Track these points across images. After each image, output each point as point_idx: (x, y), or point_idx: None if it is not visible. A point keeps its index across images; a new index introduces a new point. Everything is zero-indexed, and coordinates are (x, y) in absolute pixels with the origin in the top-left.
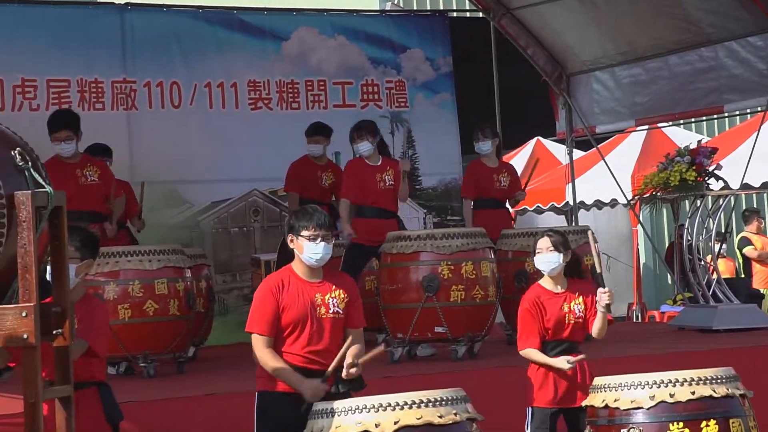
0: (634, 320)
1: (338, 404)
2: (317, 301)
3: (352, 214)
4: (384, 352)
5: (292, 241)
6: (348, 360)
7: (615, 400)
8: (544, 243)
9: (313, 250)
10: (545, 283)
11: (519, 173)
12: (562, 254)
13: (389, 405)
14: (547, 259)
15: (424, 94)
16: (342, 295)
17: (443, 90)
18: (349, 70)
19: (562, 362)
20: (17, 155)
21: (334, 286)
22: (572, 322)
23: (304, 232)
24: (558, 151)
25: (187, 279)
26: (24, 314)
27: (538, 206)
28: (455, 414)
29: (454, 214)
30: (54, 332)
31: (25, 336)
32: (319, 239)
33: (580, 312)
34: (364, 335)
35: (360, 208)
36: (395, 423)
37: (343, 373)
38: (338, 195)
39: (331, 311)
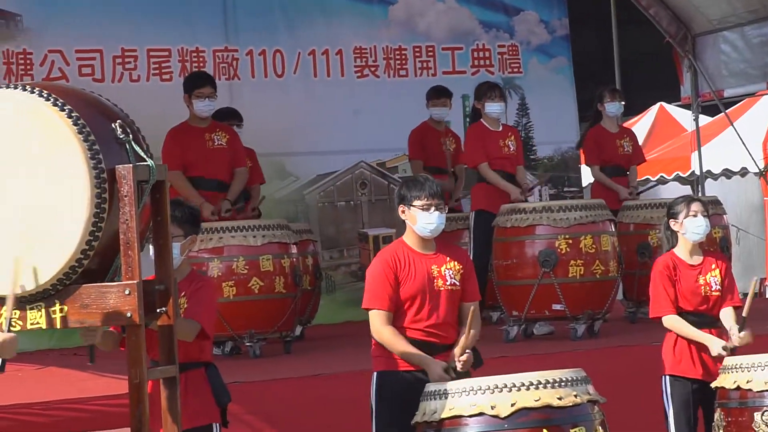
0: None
1: (451, 385)
2: (433, 273)
3: (474, 180)
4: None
5: (403, 212)
6: (457, 351)
7: (747, 382)
8: (697, 206)
9: (426, 220)
10: (680, 252)
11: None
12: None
13: (505, 386)
14: (700, 222)
15: (539, 58)
16: (457, 267)
17: (559, 54)
18: (458, 35)
19: (717, 347)
20: (118, 128)
21: (448, 258)
22: (708, 294)
23: (417, 202)
24: (683, 117)
25: (292, 255)
26: (127, 292)
27: (661, 176)
28: (575, 396)
29: (571, 185)
30: (158, 310)
31: (129, 314)
32: (433, 208)
33: (716, 285)
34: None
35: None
36: (512, 405)
37: (457, 366)
38: (460, 161)
39: (448, 283)
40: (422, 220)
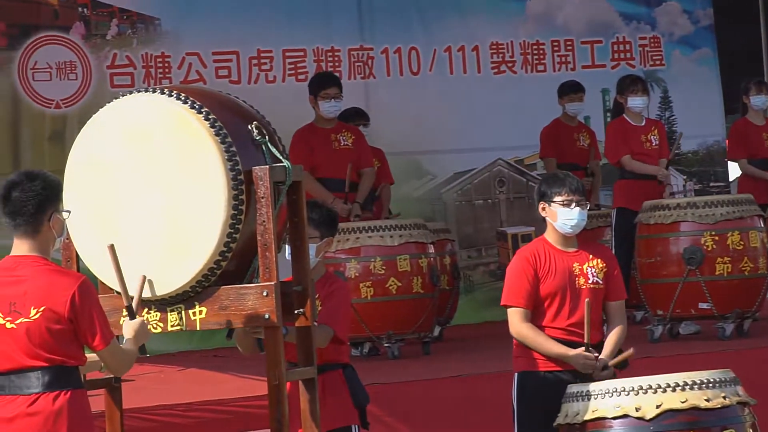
0: None
1: (594, 387)
2: (575, 270)
3: (616, 176)
4: (633, 355)
5: (543, 209)
6: (601, 360)
7: None
8: None
9: (567, 216)
10: None
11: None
12: None
13: (650, 387)
14: None
15: (682, 50)
16: (600, 265)
17: (703, 45)
18: (598, 28)
19: None
20: (254, 129)
21: (591, 255)
22: None
23: (557, 198)
24: None
25: (430, 255)
26: (265, 293)
27: None
28: (724, 397)
29: (717, 179)
30: (296, 312)
31: (267, 316)
32: (574, 204)
33: None
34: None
35: (624, 171)
36: (657, 407)
37: (595, 375)
38: (596, 158)
39: (590, 281)
40: (563, 216)
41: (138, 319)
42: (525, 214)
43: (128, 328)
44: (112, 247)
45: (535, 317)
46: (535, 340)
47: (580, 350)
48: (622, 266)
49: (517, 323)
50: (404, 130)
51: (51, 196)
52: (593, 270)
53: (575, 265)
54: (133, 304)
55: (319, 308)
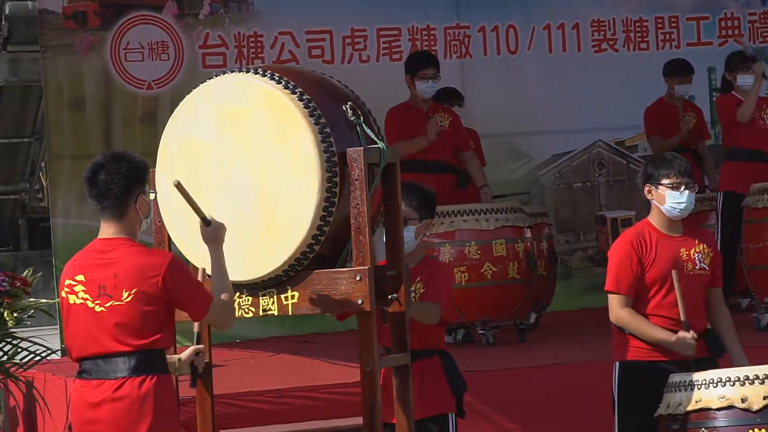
0: None
1: (698, 376)
2: (683, 256)
3: (723, 158)
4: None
5: (650, 191)
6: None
7: None
8: None
9: (676, 200)
10: None
11: None
12: None
13: (757, 377)
14: None
15: None
16: (707, 250)
17: None
18: (704, 4)
19: None
20: (349, 110)
21: (697, 240)
22: None
23: (665, 180)
24: None
25: (527, 239)
26: (358, 278)
27: None
28: None
29: None
30: (389, 297)
31: (360, 301)
32: (683, 187)
33: None
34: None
35: (733, 151)
36: (764, 398)
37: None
38: (703, 138)
39: (698, 267)
40: (671, 199)
41: (216, 223)
42: (625, 197)
43: (207, 235)
44: (179, 184)
45: (639, 304)
46: (636, 326)
47: (681, 334)
48: (728, 252)
49: (617, 309)
50: (500, 110)
51: (137, 178)
52: (700, 255)
53: (682, 250)
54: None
55: (422, 291)
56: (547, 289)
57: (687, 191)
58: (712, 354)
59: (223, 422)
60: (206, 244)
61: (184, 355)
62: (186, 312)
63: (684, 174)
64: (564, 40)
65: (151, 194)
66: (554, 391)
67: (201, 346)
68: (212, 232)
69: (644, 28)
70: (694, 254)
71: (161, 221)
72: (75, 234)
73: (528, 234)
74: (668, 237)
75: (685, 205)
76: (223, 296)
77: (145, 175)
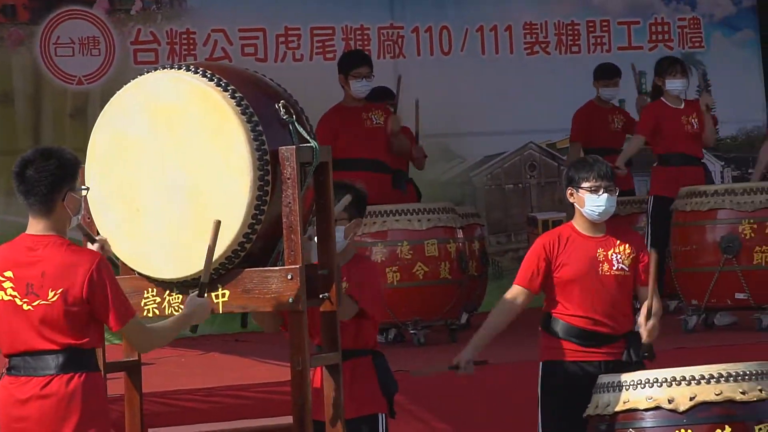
0: None
1: (626, 377)
2: (599, 257)
3: (655, 162)
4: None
5: (571, 194)
6: (641, 318)
7: None
8: None
9: (595, 203)
10: None
11: None
12: None
13: (684, 379)
14: None
15: (723, 32)
16: (628, 251)
17: (745, 27)
18: (635, 8)
19: None
20: (281, 108)
21: (618, 242)
22: None
23: (585, 184)
24: None
25: (458, 240)
26: (289, 277)
27: None
28: (760, 390)
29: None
30: (320, 296)
31: (291, 300)
32: (602, 190)
33: None
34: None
35: (662, 156)
36: (691, 399)
37: (643, 336)
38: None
39: (615, 268)
40: (590, 202)
41: (205, 300)
42: (556, 199)
43: (191, 303)
44: (217, 224)
45: (556, 304)
46: (489, 320)
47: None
48: (657, 255)
49: (502, 298)
50: (434, 111)
51: (66, 175)
52: (619, 256)
53: (599, 251)
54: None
55: (347, 287)
56: (479, 289)
57: (606, 194)
58: (628, 358)
59: (151, 421)
60: (186, 309)
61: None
62: (102, 319)
63: (603, 177)
64: (497, 42)
65: (81, 191)
66: (484, 391)
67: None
68: (194, 303)
69: (576, 32)
70: (612, 255)
71: (90, 218)
72: (2, 229)
73: (460, 234)
74: (587, 238)
75: (603, 208)
76: (153, 326)
77: (75, 172)
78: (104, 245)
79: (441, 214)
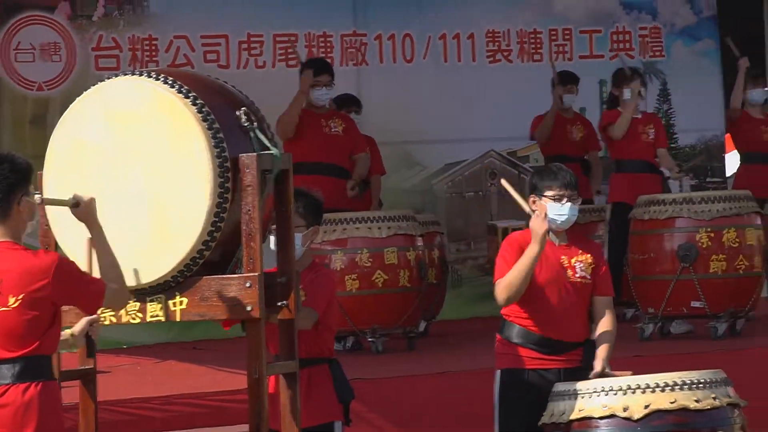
0: None
1: (581, 385)
2: (564, 263)
3: (613, 169)
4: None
5: (534, 201)
6: (597, 368)
7: None
8: None
9: (558, 211)
10: None
11: None
12: None
13: (639, 387)
14: None
15: (684, 41)
16: (589, 260)
17: (706, 36)
18: (598, 17)
19: None
20: (243, 115)
21: (580, 250)
22: None
23: (548, 192)
24: None
25: (418, 248)
26: (248, 284)
27: None
28: (714, 398)
29: (714, 175)
30: (279, 304)
31: (249, 308)
32: (565, 199)
33: None
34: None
35: (620, 163)
36: (645, 407)
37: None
38: (592, 148)
39: (577, 275)
40: (553, 211)
41: (85, 199)
42: (516, 207)
43: (83, 213)
44: (90, 242)
45: (517, 311)
46: (514, 271)
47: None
48: (615, 262)
49: (497, 285)
50: (396, 118)
51: (19, 180)
52: (581, 265)
53: (563, 258)
54: None
55: (304, 297)
56: (438, 297)
57: (569, 203)
58: (585, 364)
59: (106, 429)
60: (83, 223)
61: (77, 328)
62: (79, 307)
63: (567, 186)
64: (459, 49)
65: (35, 196)
66: (441, 399)
67: (95, 316)
68: (84, 210)
69: (538, 40)
70: (575, 263)
71: (48, 225)
72: None
73: (420, 242)
74: (551, 245)
75: (566, 216)
76: (113, 284)
77: (28, 177)
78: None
79: (401, 221)
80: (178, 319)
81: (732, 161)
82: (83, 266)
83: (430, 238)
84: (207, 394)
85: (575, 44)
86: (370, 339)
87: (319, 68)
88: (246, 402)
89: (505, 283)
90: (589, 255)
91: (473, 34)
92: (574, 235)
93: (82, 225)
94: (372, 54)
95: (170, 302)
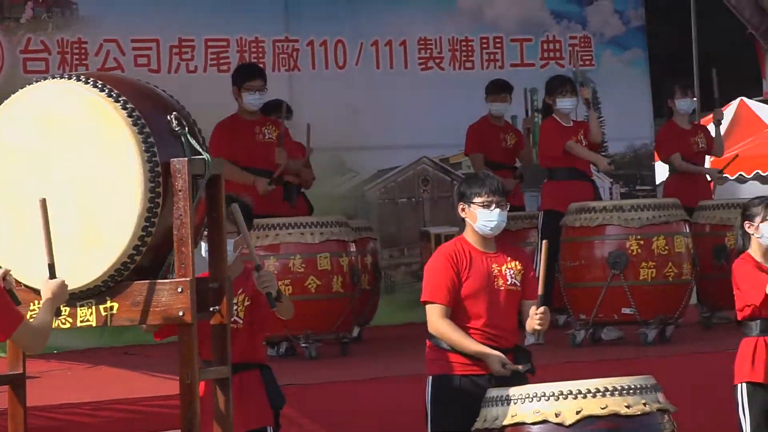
0: None
1: (514, 391)
2: (494, 271)
3: (545, 177)
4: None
5: (463, 209)
6: (532, 310)
7: None
8: None
9: (487, 218)
10: (757, 255)
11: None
12: None
13: (570, 393)
14: None
15: (613, 50)
16: (518, 267)
17: (634, 46)
18: (528, 26)
19: None
20: (173, 120)
21: (509, 258)
22: None
23: (477, 199)
24: (765, 113)
25: (351, 253)
26: (180, 290)
27: (740, 175)
28: (644, 404)
29: (644, 183)
30: (211, 309)
31: (181, 313)
32: (494, 206)
33: None
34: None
35: (551, 170)
36: (577, 413)
37: (535, 323)
38: (523, 157)
39: (508, 282)
40: (482, 217)
41: (58, 279)
42: (449, 213)
43: (47, 288)
44: (43, 202)
45: (454, 318)
46: (454, 338)
47: (500, 356)
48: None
49: (436, 320)
50: (328, 125)
51: None
52: (511, 272)
53: (494, 266)
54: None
55: (248, 303)
56: (371, 303)
57: (498, 210)
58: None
59: None
60: (42, 294)
61: None
62: None
63: (495, 193)
64: (391, 56)
65: None
66: (374, 405)
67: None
68: (52, 286)
69: (469, 48)
70: (505, 270)
71: None
72: None
73: (352, 248)
74: (482, 253)
75: (495, 223)
76: (41, 311)
77: None
78: (6, 276)
79: (334, 227)
80: (109, 324)
81: (661, 169)
82: (19, 265)
83: (362, 244)
84: (138, 399)
85: (506, 52)
86: (303, 344)
87: (250, 73)
88: (178, 407)
89: (440, 332)
90: (518, 262)
91: (405, 41)
92: (502, 242)
93: (11, 230)
94: (304, 60)
95: (101, 307)
